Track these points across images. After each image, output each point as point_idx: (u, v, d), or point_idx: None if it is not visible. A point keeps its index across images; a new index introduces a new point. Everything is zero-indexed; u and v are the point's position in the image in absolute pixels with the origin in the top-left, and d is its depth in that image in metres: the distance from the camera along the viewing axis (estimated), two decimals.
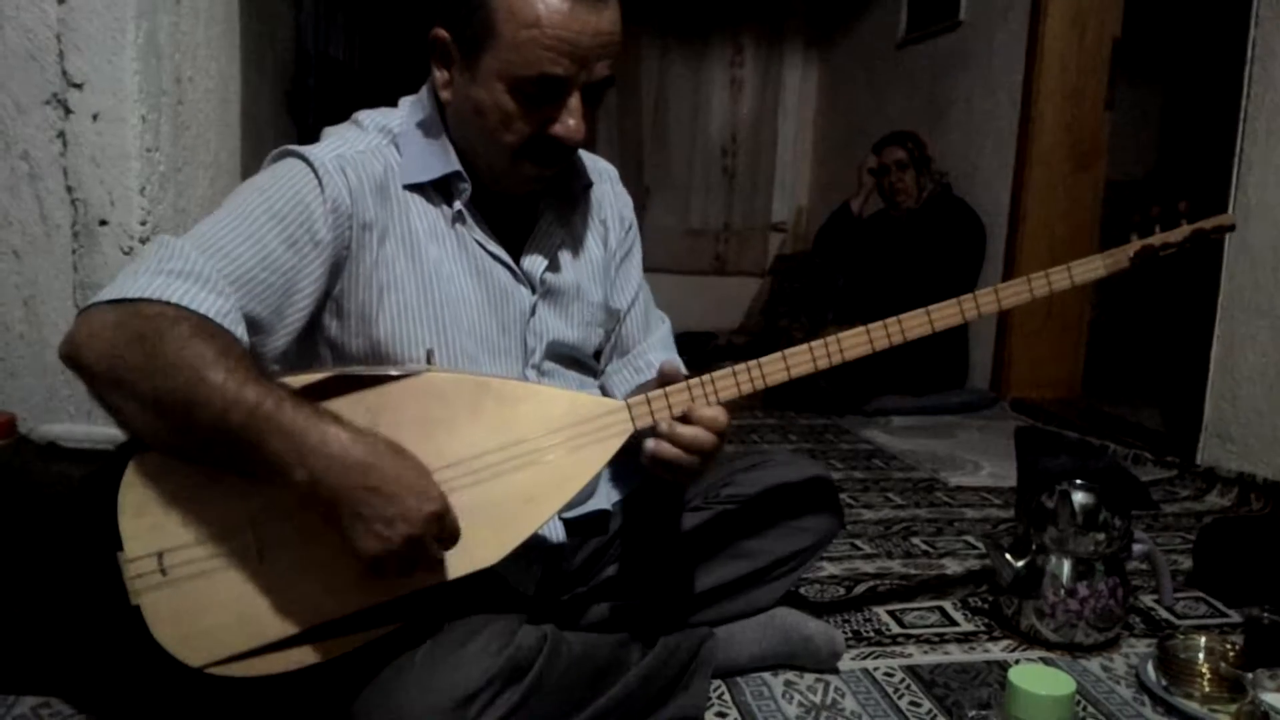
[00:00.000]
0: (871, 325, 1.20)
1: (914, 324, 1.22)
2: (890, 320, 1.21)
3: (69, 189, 1.61)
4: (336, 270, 1.13)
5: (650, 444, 1.11)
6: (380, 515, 0.95)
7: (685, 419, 1.11)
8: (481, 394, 1.08)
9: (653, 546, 1.39)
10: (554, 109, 1.11)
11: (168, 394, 0.94)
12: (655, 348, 1.43)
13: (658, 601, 1.37)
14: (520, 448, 1.07)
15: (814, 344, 1.17)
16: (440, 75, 1.15)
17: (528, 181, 1.19)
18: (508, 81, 1.09)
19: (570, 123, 1.12)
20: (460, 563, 1.04)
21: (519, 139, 1.13)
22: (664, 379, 1.13)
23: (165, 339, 0.95)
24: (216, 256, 1.03)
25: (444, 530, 0.99)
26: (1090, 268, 1.30)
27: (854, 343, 1.19)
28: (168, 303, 0.97)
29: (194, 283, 1.00)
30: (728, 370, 1.14)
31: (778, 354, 1.16)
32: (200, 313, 0.98)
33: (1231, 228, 1.33)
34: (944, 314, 1.24)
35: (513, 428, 1.07)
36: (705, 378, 1.13)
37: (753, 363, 1.15)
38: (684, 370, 1.16)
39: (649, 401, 1.12)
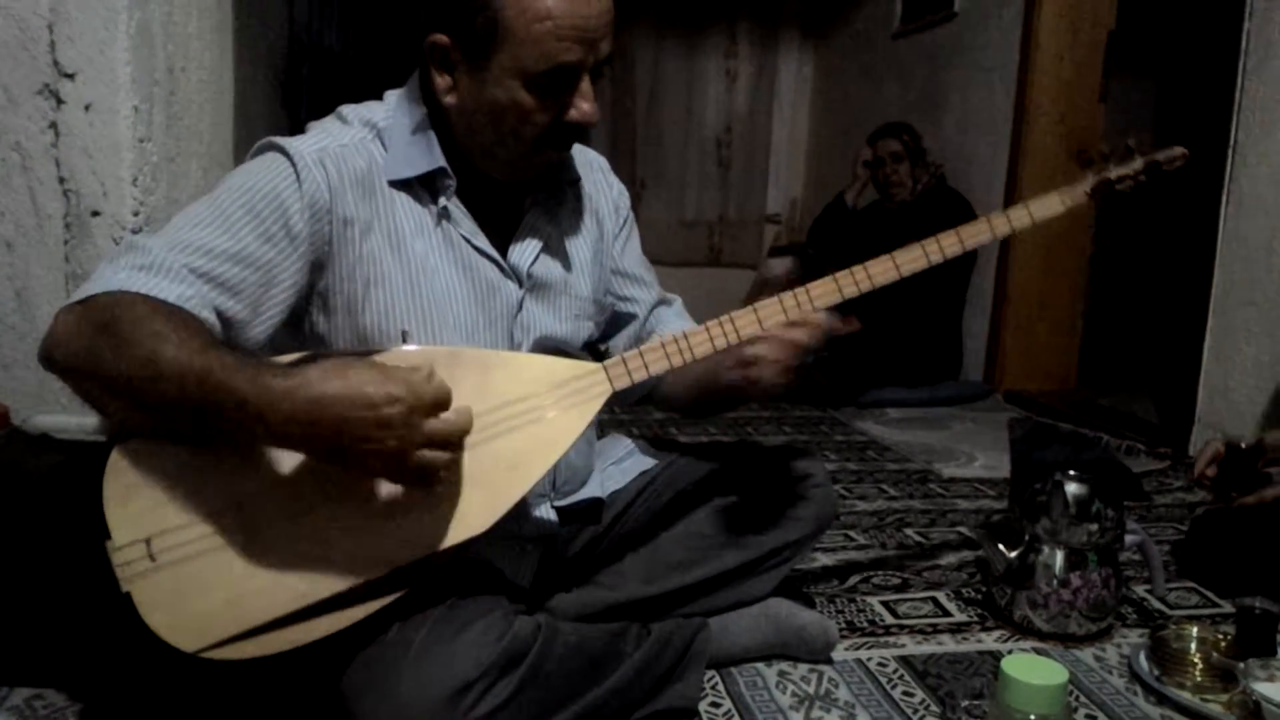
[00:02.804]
0: (839, 274, 1.22)
1: (880, 270, 1.24)
2: (857, 267, 1.23)
3: (61, 180, 1.61)
4: (318, 266, 1.13)
5: (756, 347, 1.18)
6: (358, 438, 0.93)
7: (792, 324, 1.18)
8: (456, 364, 1.08)
9: (647, 537, 1.39)
10: (568, 96, 1.13)
11: (132, 375, 0.94)
12: (677, 320, 1.44)
13: (652, 591, 1.37)
14: (500, 414, 1.07)
15: (784, 295, 1.20)
16: (442, 81, 1.15)
17: (544, 166, 1.22)
18: (524, 77, 1.10)
19: (585, 106, 1.14)
20: (450, 532, 1.04)
21: (538, 131, 1.14)
22: (762, 285, 1.16)
23: (123, 321, 0.96)
24: (184, 251, 1.03)
25: (430, 406, 0.95)
26: (1048, 204, 1.32)
27: (822, 291, 1.21)
28: (127, 291, 0.98)
29: (155, 274, 1.00)
30: (702, 327, 1.18)
31: (749, 308, 1.19)
32: (158, 298, 0.99)
33: (1185, 156, 1.33)
34: (909, 258, 1.26)
35: (490, 395, 1.07)
36: (678, 334, 1.17)
37: (725, 318, 1.18)
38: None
39: (624, 361, 1.14)
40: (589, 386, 1.12)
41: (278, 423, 0.93)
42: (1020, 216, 1.31)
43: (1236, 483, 1.67)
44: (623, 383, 1.14)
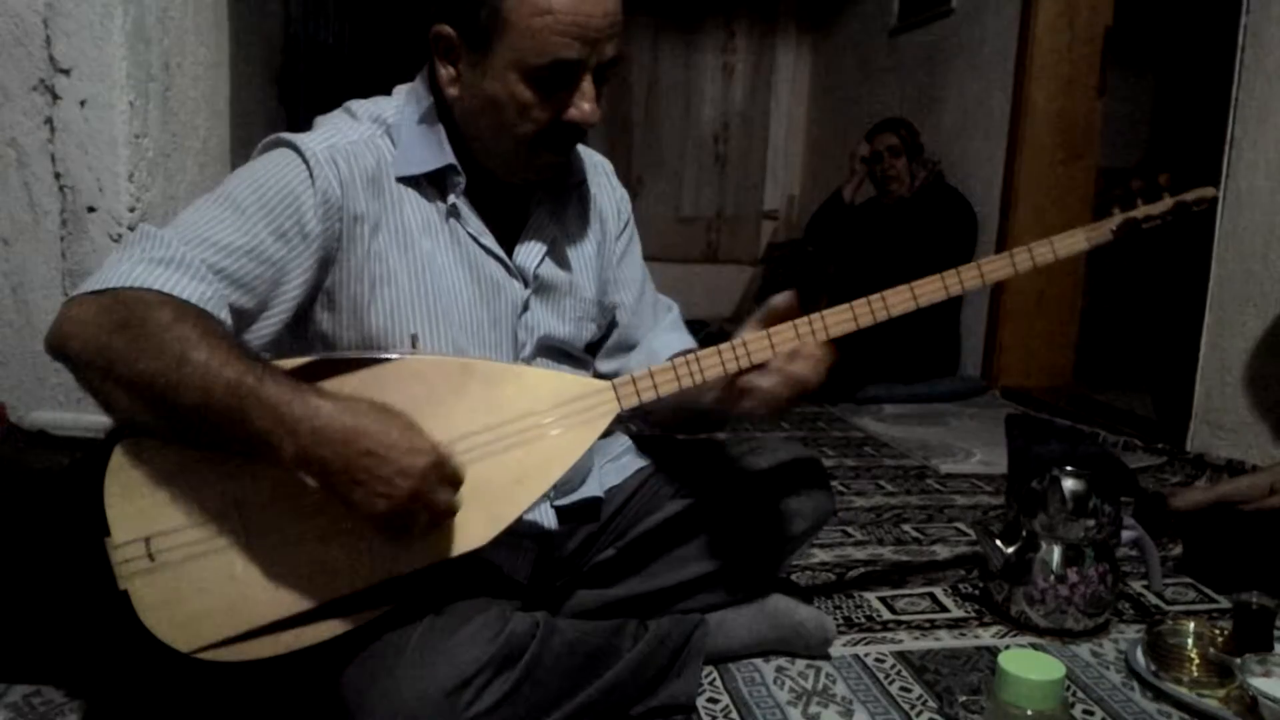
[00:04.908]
0: (855, 302, 1.20)
1: (897, 300, 1.22)
2: (874, 296, 1.21)
3: (57, 175, 1.61)
4: (326, 262, 1.13)
5: (752, 378, 1.15)
6: (377, 476, 0.94)
7: (793, 355, 1.15)
8: (466, 376, 1.08)
9: (646, 534, 1.39)
10: (568, 94, 1.12)
11: (153, 377, 0.94)
12: (667, 333, 1.43)
13: (649, 588, 1.37)
14: (506, 429, 1.07)
15: (798, 321, 1.18)
16: (446, 72, 1.14)
17: (544, 170, 1.20)
18: (523, 71, 1.09)
19: (585, 106, 1.12)
20: (451, 544, 1.04)
21: (536, 128, 1.13)
22: (770, 317, 1.16)
23: (148, 324, 0.95)
24: (201, 246, 1.03)
25: (445, 477, 0.99)
26: (1072, 241, 1.30)
27: (838, 320, 1.19)
28: (149, 289, 0.97)
29: (175, 270, 1.00)
30: (714, 350, 1.16)
31: (763, 332, 1.17)
32: (182, 298, 0.98)
33: (1213, 200, 1.33)
34: (927, 289, 1.23)
35: (498, 409, 1.08)
36: (690, 356, 1.15)
37: (737, 341, 1.16)
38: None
39: (634, 381, 1.14)
40: (596, 405, 1.12)
41: (308, 440, 0.93)
42: (1044, 252, 1.29)
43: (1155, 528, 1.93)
44: (631, 403, 1.14)
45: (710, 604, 1.42)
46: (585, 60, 1.10)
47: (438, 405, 1.06)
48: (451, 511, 1.01)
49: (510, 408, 1.08)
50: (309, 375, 1.03)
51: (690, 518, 1.40)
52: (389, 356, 1.07)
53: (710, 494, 1.40)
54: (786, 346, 1.17)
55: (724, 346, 1.16)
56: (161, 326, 0.95)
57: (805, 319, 1.18)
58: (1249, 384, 2.55)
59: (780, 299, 1.16)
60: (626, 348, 1.41)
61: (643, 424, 1.44)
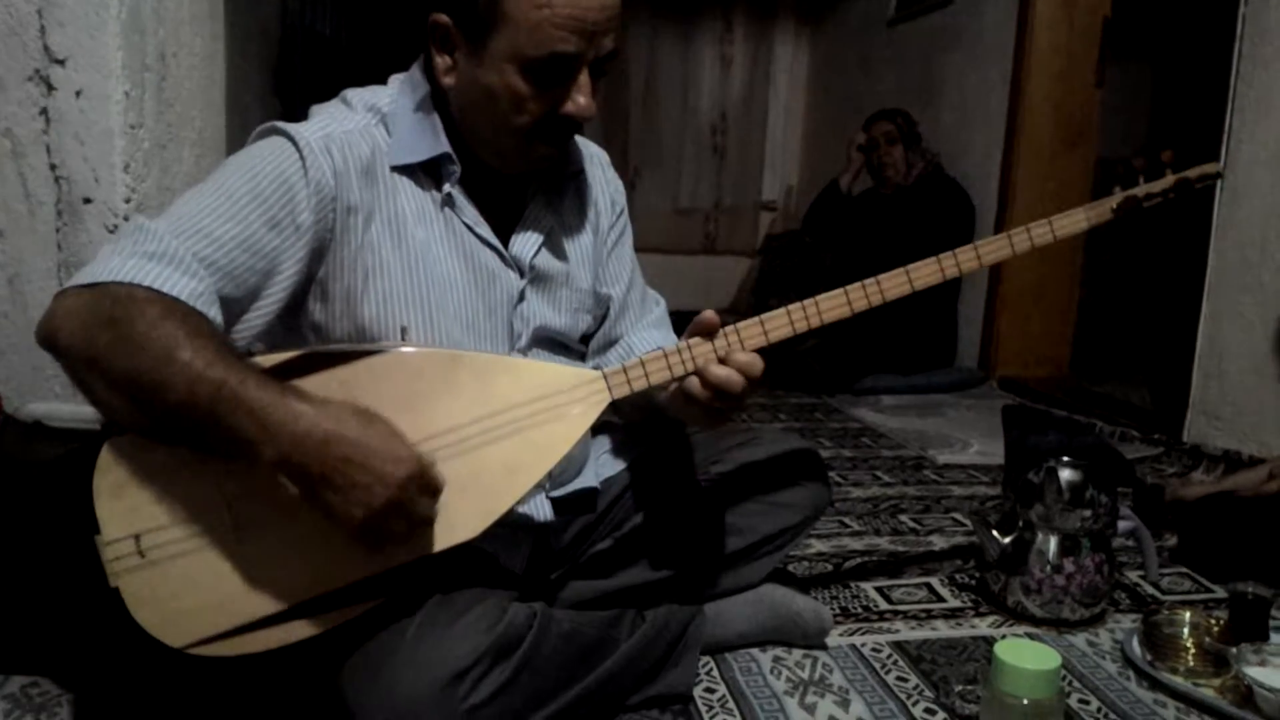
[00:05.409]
0: (849, 286, 1.19)
1: (893, 284, 1.21)
2: (869, 281, 1.20)
3: (52, 166, 1.60)
4: (320, 253, 1.12)
5: (686, 383, 1.13)
6: (354, 484, 0.95)
7: (721, 361, 1.12)
8: (456, 367, 1.08)
9: (642, 524, 1.39)
10: (564, 87, 1.11)
11: (139, 375, 0.94)
12: (648, 330, 1.43)
13: (646, 578, 1.37)
14: (498, 419, 1.07)
15: (791, 308, 1.17)
16: (442, 61, 1.14)
17: (539, 161, 1.20)
18: (519, 63, 1.08)
19: (581, 100, 1.12)
20: (442, 536, 1.04)
21: (531, 120, 1.12)
22: (698, 328, 1.14)
23: (136, 321, 0.95)
24: (193, 238, 1.02)
25: (425, 486, 0.99)
26: (1073, 220, 1.28)
27: (832, 305, 1.18)
28: (139, 285, 0.97)
29: (166, 264, 0.99)
30: (703, 339, 1.15)
31: (755, 319, 1.16)
32: (171, 294, 0.98)
33: (1218, 176, 1.32)
34: (923, 272, 1.22)
35: (490, 400, 1.07)
36: (683, 344, 1.15)
37: (729, 329, 1.16)
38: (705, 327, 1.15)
39: (625, 370, 1.13)
40: (588, 395, 1.12)
41: (288, 445, 0.93)
42: (1042, 233, 1.27)
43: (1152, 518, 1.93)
44: (622, 392, 1.13)
45: (707, 594, 1.42)
46: (583, 54, 1.09)
47: (429, 398, 1.05)
48: (429, 520, 1.01)
49: (501, 399, 1.08)
50: (299, 369, 1.02)
51: (686, 509, 1.40)
52: (380, 349, 1.07)
53: (706, 485, 1.41)
54: (780, 334, 1.17)
55: (715, 334, 1.15)
56: (148, 324, 0.95)
57: (799, 304, 1.18)
58: (1246, 374, 2.55)
59: (706, 315, 1.14)
60: (609, 343, 1.41)
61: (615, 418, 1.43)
